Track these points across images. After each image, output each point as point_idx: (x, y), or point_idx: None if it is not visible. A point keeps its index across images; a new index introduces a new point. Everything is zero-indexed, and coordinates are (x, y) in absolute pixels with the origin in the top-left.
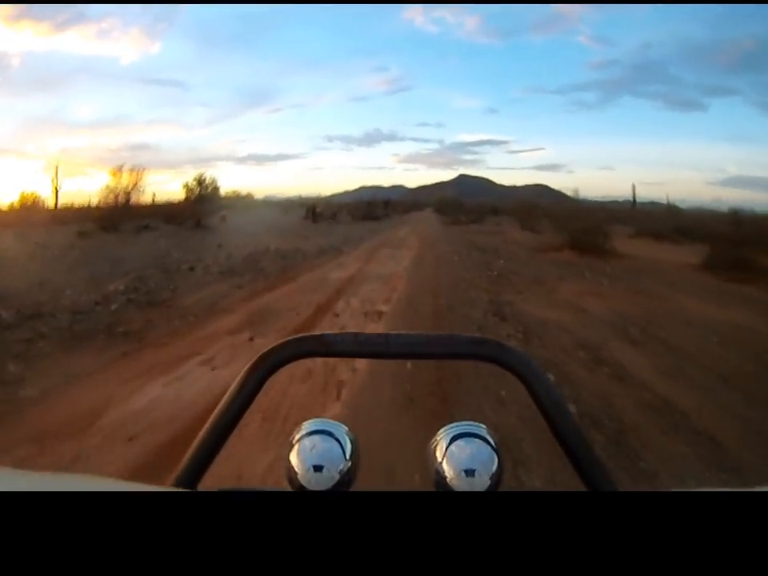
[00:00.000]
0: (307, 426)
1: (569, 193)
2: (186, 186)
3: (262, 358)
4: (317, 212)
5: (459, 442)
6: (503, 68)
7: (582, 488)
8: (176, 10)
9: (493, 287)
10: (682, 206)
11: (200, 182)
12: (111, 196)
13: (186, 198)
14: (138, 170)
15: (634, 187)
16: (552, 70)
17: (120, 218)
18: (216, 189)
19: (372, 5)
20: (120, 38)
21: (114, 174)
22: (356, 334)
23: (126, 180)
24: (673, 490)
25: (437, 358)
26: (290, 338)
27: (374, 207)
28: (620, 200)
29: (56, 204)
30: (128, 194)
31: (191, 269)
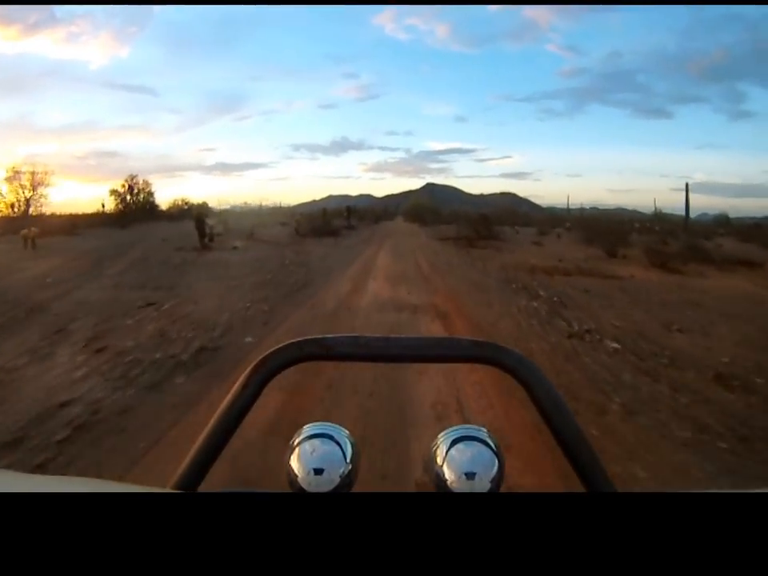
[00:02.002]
0: (307, 429)
1: (536, 201)
2: (114, 192)
3: (263, 362)
4: (206, 228)
5: (459, 446)
6: (473, 76)
7: (581, 489)
8: (147, 14)
9: None
10: (646, 212)
11: (130, 187)
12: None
13: (115, 207)
14: (37, 174)
15: (687, 188)
16: (522, 79)
17: None
18: (150, 195)
19: (342, 12)
20: (90, 42)
21: (10, 180)
22: (356, 337)
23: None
24: (672, 491)
25: (437, 361)
26: (290, 341)
27: (333, 217)
28: (587, 207)
29: None
30: (27, 202)
31: None
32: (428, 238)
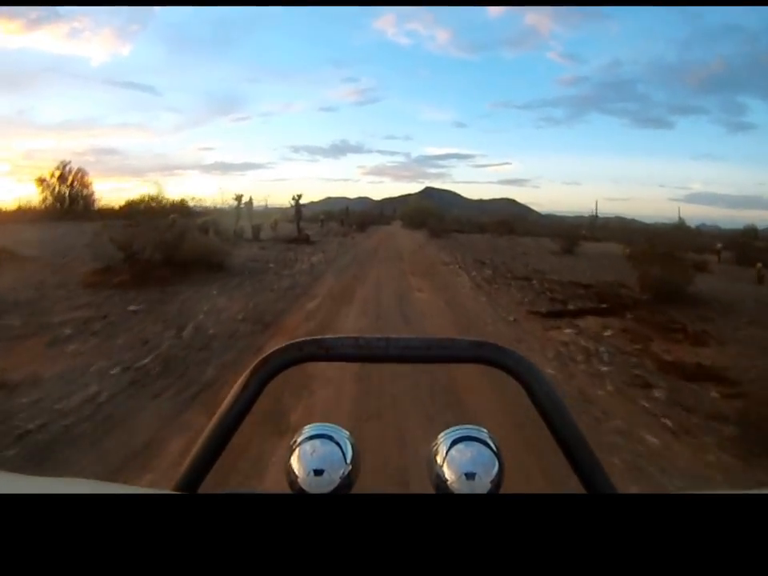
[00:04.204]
0: (307, 430)
1: (535, 207)
2: (41, 181)
3: (262, 363)
4: None
5: (459, 446)
6: (473, 82)
7: (581, 491)
8: (148, 12)
9: None
10: (646, 221)
11: (61, 176)
12: None
13: (41, 202)
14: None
15: None
16: (521, 86)
17: None
18: (84, 187)
19: (343, 15)
20: (91, 39)
21: None
22: (356, 338)
23: None
24: (673, 492)
25: (437, 361)
26: (291, 342)
27: (295, 219)
28: (585, 215)
29: None
30: None
31: None
32: (494, 303)
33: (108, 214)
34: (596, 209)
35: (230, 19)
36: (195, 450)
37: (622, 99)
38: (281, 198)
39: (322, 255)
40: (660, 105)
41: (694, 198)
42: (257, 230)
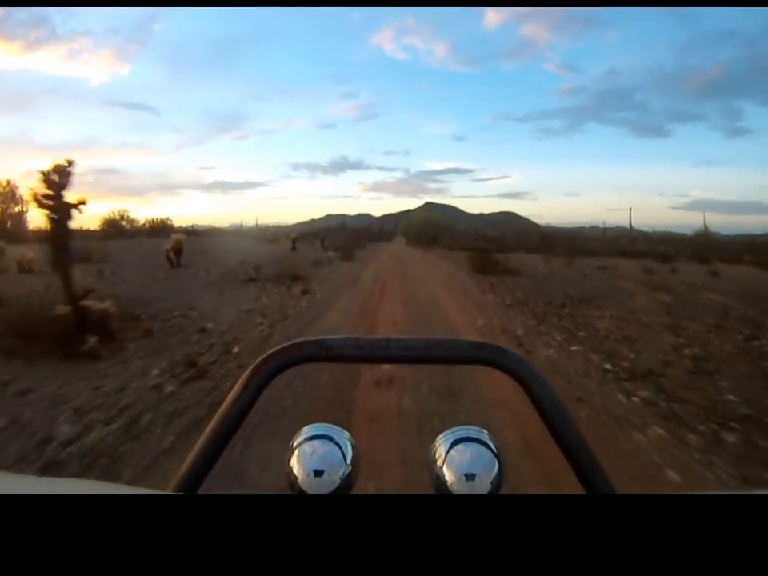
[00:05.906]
0: (307, 430)
1: (536, 220)
2: None
3: (262, 363)
4: None
5: (459, 447)
6: (472, 95)
7: (581, 491)
8: (147, 32)
9: None
10: (647, 230)
11: None
12: None
13: None
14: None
15: None
16: (520, 98)
17: None
18: (17, 203)
19: (341, 31)
20: (90, 60)
21: None
22: (356, 338)
23: None
24: (673, 493)
25: (437, 362)
26: (290, 342)
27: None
28: (586, 226)
29: None
30: None
31: None
32: None
33: (44, 235)
34: (629, 219)
35: (229, 38)
36: (195, 450)
37: (620, 108)
38: (283, 217)
39: None
40: (658, 113)
41: (694, 206)
42: None
